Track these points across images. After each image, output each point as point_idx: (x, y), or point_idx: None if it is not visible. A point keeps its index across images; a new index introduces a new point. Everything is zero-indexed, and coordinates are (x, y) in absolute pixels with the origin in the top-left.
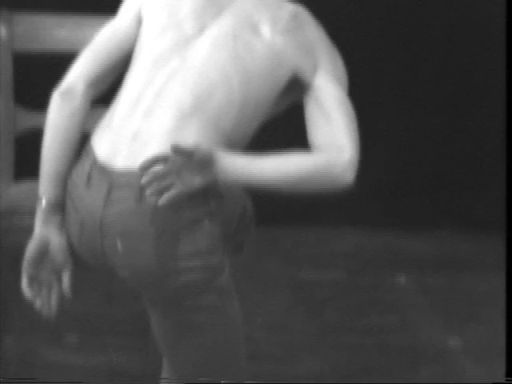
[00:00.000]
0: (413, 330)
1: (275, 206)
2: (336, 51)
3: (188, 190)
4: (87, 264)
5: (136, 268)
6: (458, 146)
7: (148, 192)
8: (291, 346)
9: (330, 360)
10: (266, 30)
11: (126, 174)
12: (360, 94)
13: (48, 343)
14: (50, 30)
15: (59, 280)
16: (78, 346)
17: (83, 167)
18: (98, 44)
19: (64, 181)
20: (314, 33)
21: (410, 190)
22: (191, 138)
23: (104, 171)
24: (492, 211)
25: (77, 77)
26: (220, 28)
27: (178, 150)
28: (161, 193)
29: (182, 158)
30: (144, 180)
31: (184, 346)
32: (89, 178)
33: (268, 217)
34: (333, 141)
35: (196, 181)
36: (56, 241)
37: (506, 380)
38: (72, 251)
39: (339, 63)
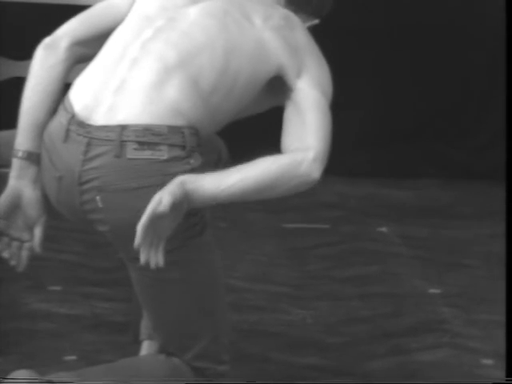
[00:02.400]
0: (395, 278)
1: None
2: (323, 59)
3: (169, 232)
4: (65, 217)
5: (115, 223)
6: (439, 95)
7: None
8: (274, 296)
9: (313, 309)
10: (257, 22)
11: (105, 129)
12: (346, 42)
13: (32, 292)
14: None
15: (31, 234)
16: (61, 295)
17: (60, 122)
18: (92, 10)
19: (41, 134)
20: (303, 37)
21: (393, 140)
22: (173, 93)
23: (82, 126)
24: (473, 160)
25: (64, 33)
26: (212, 3)
27: (155, 217)
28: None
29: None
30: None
31: (163, 300)
32: (67, 133)
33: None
34: (301, 143)
35: (174, 224)
36: (29, 194)
37: (506, 380)
38: (48, 205)
39: (325, 72)
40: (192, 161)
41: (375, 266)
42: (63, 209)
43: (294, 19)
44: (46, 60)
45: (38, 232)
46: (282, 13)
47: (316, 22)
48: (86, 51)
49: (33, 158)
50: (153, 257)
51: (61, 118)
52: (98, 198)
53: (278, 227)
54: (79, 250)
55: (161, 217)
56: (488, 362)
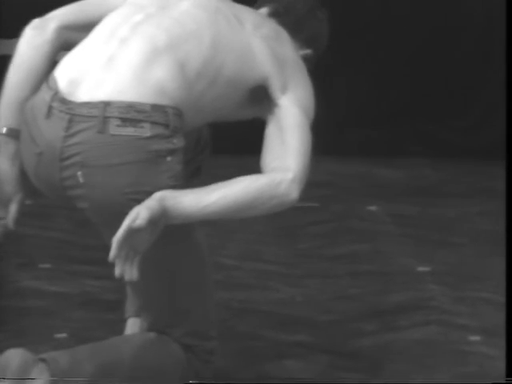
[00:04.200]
0: (384, 256)
1: (245, 135)
2: (308, 78)
3: (145, 246)
4: (44, 194)
5: (96, 199)
6: (429, 75)
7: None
8: (264, 274)
9: (303, 287)
10: (247, 27)
11: (88, 105)
12: (338, 24)
13: (21, 270)
14: None
15: (6, 212)
16: (51, 273)
17: (43, 98)
18: (88, 1)
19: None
20: (290, 53)
21: (382, 119)
22: (159, 73)
23: (65, 102)
24: (462, 139)
25: (54, 15)
26: (205, 0)
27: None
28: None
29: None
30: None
31: (150, 279)
32: (49, 109)
33: (238, 145)
34: (281, 162)
35: (151, 238)
36: (6, 171)
37: (506, 380)
38: (26, 183)
39: (309, 91)
40: (175, 140)
41: (364, 245)
42: (42, 185)
43: (284, 34)
44: (33, 39)
45: (13, 209)
46: (273, 25)
47: (308, 52)
48: (73, 36)
49: (13, 134)
50: (128, 270)
51: (44, 95)
52: (79, 173)
53: None
54: (69, 227)
55: (137, 231)
56: (476, 338)
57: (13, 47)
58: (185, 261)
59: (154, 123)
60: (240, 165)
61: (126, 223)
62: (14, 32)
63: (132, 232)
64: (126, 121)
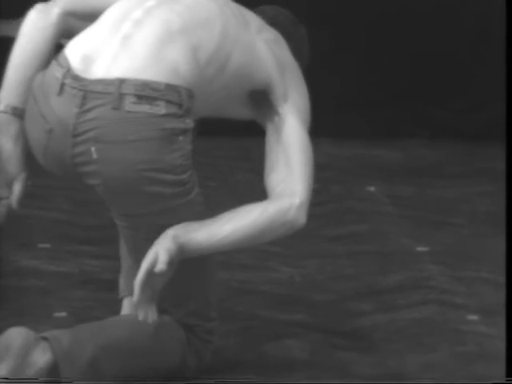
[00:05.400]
0: (382, 237)
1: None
2: (304, 83)
3: (162, 285)
4: (51, 173)
5: (109, 175)
6: (428, 56)
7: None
8: (263, 255)
9: (301, 267)
10: (252, 29)
11: (103, 82)
12: (336, 6)
13: (21, 250)
14: None
15: (9, 191)
16: (50, 253)
17: (54, 76)
18: None
19: (27, 91)
20: (289, 58)
21: (381, 100)
22: (174, 54)
23: (78, 79)
24: (460, 120)
25: (58, 1)
26: None
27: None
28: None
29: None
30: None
31: None
32: (61, 87)
33: (238, 128)
34: (287, 187)
35: (168, 276)
36: (9, 150)
37: (506, 380)
38: (33, 163)
39: (306, 96)
40: (187, 121)
41: (363, 225)
42: (51, 163)
43: (282, 40)
44: (37, 22)
45: (16, 189)
46: (273, 30)
47: None
48: (76, 24)
49: (17, 112)
50: (150, 312)
51: (55, 73)
52: (92, 149)
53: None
54: (68, 207)
55: (159, 274)
56: (473, 317)
57: (11, 29)
58: None
59: (168, 102)
60: (240, 146)
61: (146, 267)
62: (13, 13)
63: (152, 275)
64: (141, 98)
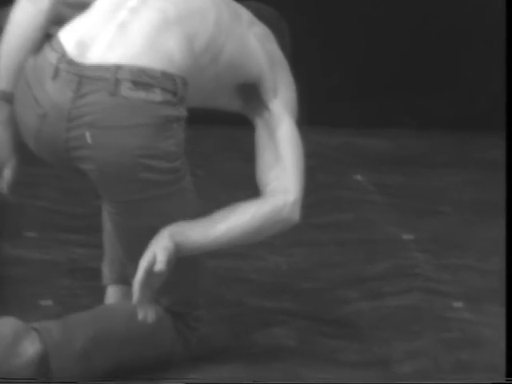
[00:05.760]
0: (369, 225)
1: None
2: (292, 78)
3: (159, 284)
4: (42, 159)
5: (103, 160)
6: (416, 45)
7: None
8: (250, 243)
9: (288, 255)
10: (244, 23)
11: (100, 68)
12: None
13: (7, 238)
14: None
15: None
16: (37, 241)
17: (48, 60)
18: None
19: (16, 76)
20: (279, 53)
21: (369, 90)
22: (169, 43)
23: (74, 64)
24: (447, 110)
25: None
26: None
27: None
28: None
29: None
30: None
31: (142, 247)
32: (56, 71)
33: (225, 117)
34: (280, 184)
35: (165, 275)
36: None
37: (506, 380)
38: (21, 150)
39: (294, 90)
40: (181, 109)
41: (350, 213)
42: (43, 148)
43: (271, 34)
44: (28, 8)
45: (7, 174)
46: (262, 25)
47: None
48: (66, 12)
49: (7, 97)
50: (149, 312)
51: (48, 57)
52: (87, 134)
53: (255, 176)
54: (55, 196)
55: (157, 274)
56: (458, 305)
57: (1, 17)
58: None
59: (163, 89)
60: (227, 135)
61: (144, 266)
62: (3, 1)
63: (151, 275)
64: (137, 84)
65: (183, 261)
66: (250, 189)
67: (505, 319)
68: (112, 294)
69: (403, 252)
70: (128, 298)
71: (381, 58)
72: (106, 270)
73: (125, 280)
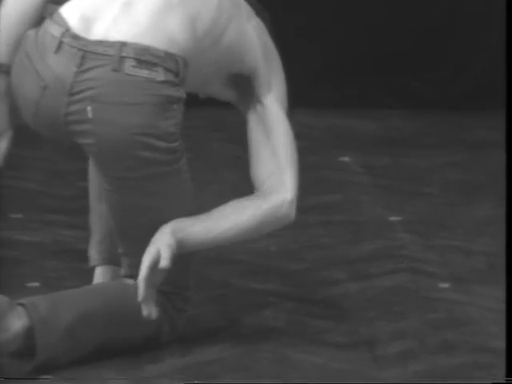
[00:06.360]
0: (356, 206)
1: None
2: (282, 69)
3: (161, 280)
4: (38, 132)
5: (103, 136)
6: (403, 27)
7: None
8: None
9: (276, 237)
10: (243, 14)
11: (104, 44)
12: None
13: None
14: None
15: None
16: (23, 223)
17: (51, 34)
18: None
19: (14, 49)
20: (272, 45)
21: (356, 71)
22: (172, 23)
23: (78, 38)
24: (434, 91)
25: None
26: None
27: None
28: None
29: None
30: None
31: (135, 226)
32: (59, 45)
33: (207, 98)
34: (277, 181)
35: (166, 272)
36: None
37: (506, 380)
38: (15, 121)
39: (284, 82)
40: (182, 90)
41: (337, 195)
42: (40, 121)
43: (263, 26)
44: None
45: (2, 146)
46: (257, 18)
47: None
48: None
49: (3, 69)
50: (153, 309)
51: (51, 31)
52: (89, 108)
53: (241, 157)
54: (41, 178)
55: (162, 270)
56: (445, 285)
57: None
58: (175, 211)
59: (166, 69)
60: (210, 116)
61: (148, 263)
62: None
63: (155, 271)
64: (141, 62)
65: None
66: (235, 169)
67: (505, 319)
68: (100, 275)
69: (390, 233)
70: (117, 278)
71: (366, 39)
72: (94, 252)
73: (114, 260)
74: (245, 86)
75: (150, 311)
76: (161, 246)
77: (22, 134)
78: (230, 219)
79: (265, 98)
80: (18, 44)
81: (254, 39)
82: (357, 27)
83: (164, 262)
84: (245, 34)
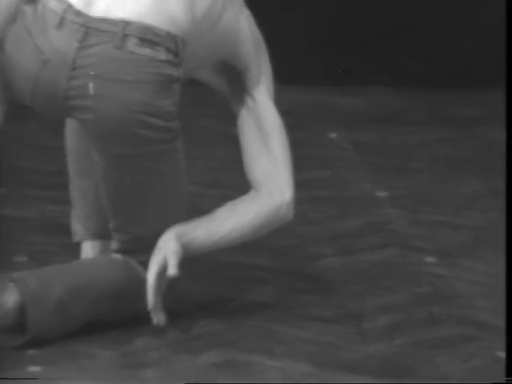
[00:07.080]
0: (344, 182)
1: None
2: (269, 60)
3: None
4: (31, 106)
5: (103, 112)
6: (391, 4)
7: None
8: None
9: None
10: (237, 4)
11: (107, 21)
12: None
13: None
14: None
15: None
16: (10, 198)
17: (52, 9)
18: None
19: (8, 25)
20: (261, 39)
21: (343, 48)
22: (173, 4)
23: (80, 15)
24: (422, 68)
25: None
26: None
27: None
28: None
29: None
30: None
31: (129, 201)
32: (61, 21)
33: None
34: (275, 182)
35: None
36: None
37: (506, 380)
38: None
39: (271, 71)
40: (180, 70)
41: (325, 171)
42: (38, 94)
43: (251, 17)
44: None
45: None
46: (246, 9)
47: None
48: None
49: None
50: (162, 316)
51: (51, 7)
52: (90, 85)
53: (229, 133)
54: (28, 153)
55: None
56: (432, 260)
57: None
58: (167, 188)
59: (167, 49)
60: (194, 93)
61: (156, 270)
62: None
63: (162, 278)
64: (144, 41)
65: (168, 212)
66: (222, 144)
67: (505, 319)
68: (89, 250)
69: (377, 208)
70: (106, 253)
71: (354, 14)
72: (80, 227)
73: (103, 235)
74: (235, 75)
75: (159, 319)
76: (168, 253)
77: (8, 109)
78: (231, 222)
79: (255, 91)
80: (9, 20)
81: (246, 31)
82: (344, 3)
83: (172, 270)
84: (238, 23)
